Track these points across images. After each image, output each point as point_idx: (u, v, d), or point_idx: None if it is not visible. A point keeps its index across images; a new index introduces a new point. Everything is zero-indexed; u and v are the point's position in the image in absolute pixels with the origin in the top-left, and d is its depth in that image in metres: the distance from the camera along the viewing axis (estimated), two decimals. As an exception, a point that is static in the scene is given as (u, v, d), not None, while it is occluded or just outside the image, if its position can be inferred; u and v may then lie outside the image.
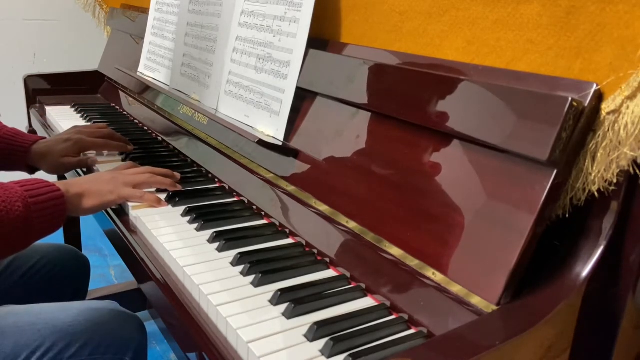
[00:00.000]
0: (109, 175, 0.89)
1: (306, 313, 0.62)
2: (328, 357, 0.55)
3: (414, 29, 0.72)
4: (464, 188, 0.60)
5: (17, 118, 1.71)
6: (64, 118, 1.40)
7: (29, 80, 1.59)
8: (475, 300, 0.55)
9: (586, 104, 0.52)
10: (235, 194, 0.94)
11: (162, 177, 0.93)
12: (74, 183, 0.83)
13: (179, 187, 0.93)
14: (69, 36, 2.56)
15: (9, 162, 1.07)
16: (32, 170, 1.09)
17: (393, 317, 0.62)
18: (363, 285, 0.67)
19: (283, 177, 0.84)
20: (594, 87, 0.52)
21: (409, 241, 0.63)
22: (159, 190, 0.93)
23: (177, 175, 0.96)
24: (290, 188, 0.82)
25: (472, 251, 0.57)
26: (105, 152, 1.12)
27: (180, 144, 1.14)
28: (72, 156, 1.07)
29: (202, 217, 0.82)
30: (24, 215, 0.71)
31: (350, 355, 0.54)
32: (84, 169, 1.09)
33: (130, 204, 0.87)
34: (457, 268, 0.58)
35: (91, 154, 1.11)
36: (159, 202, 0.88)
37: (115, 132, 1.16)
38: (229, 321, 0.59)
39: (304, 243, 0.77)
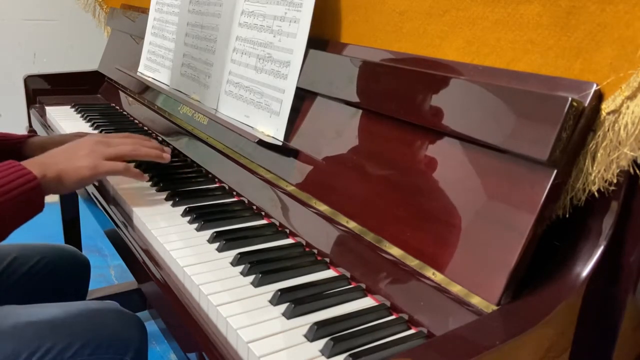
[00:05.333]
0: (88, 147, 0.83)
1: (306, 313, 0.62)
2: (328, 357, 0.55)
3: (414, 29, 0.73)
4: (464, 188, 0.60)
5: (17, 118, 1.71)
6: (64, 118, 1.40)
7: (29, 80, 1.59)
8: (475, 300, 0.55)
9: (586, 104, 0.52)
10: (235, 194, 0.94)
11: (148, 148, 0.89)
12: (51, 162, 0.79)
13: (168, 158, 0.90)
14: (69, 36, 2.57)
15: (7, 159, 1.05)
16: None
17: (393, 317, 0.62)
18: (363, 285, 0.67)
19: (283, 177, 0.84)
20: (594, 87, 0.52)
21: (409, 241, 0.63)
22: (160, 190, 0.93)
23: (167, 149, 0.92)
24: (290, 188, 0.82)
25: (472, 251, 0.57)
26: None
27: (180, 144, 1.14)
28: None
29: (202, 217, 0.82)
30: None
31: (350, 355, 0.54)
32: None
33: (128, 201, 0.87)
34: (457, 268, 0.58)
35: None
36: (142, 176, 0.86)
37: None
38: (229, 321, 0.59)
39: (304, 243, 0.77)
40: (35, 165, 0.77)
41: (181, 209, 0.86)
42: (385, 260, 0.66)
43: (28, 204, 0.74)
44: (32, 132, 1.51)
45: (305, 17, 0.84)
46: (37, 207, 0.76)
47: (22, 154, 1.03)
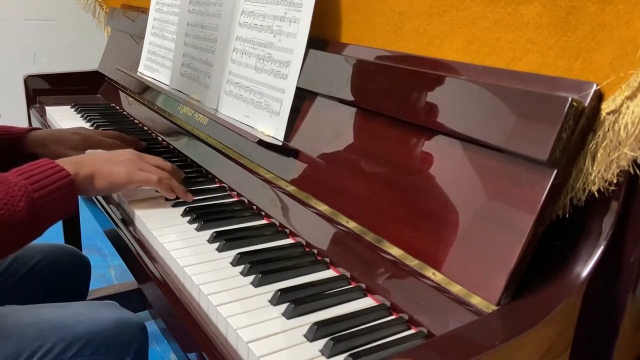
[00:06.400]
0: (127, 156, 0.85)
1: (306, 313, 0.62)
2: (328, 357, 0.55)
3: (414, 29, 0.72)
4: (464, 188, 0.60)
5: (17, 118, 1.71)
6: (64, 118, 1.40)
7: (29, 80, 1.59)
8: (475, 300, 0.55)
9: (586, 104, 0.52)
10: (235, 194, 0.94)
11: (177, 183, 0.89)
12: (86, 162, 0.79)
13: (191, 198, 0.89)
14: (69, 36, 2.57)
15: (8, 153, 1.02)
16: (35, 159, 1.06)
17: (393, 317, 0.62)
18: (363, 285, 0.67)
19: (283, 177, 0.84)
20: (594, 87, 0.52)
21: (409, 241, 0.63)
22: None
23: (190, 196, 0.90)
24: (290, 188, 0.82)
25: (472, 251, 0.57)
26: None
27: (180, 144, 1.14)
28: (80, 152, 1.03)
29: (202, 217, 0.82)
30: (28, 214, 0.68)
31: (350, 355, 0.54)
32: None
33: (128, 201, 0.87)
34: (457, 268, 0.58)
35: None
36: (171, 192, 0.86)
37: (124, 134, 1.13)
38: (229, 321, 0.59)
39: (304, 243, 0.77)
40: (69, 163, 0.77)
41: (181, 209, 0.86)
42: (385, 260, 0.66)
43: (61, 201, 0.73)
44: None
45: (305, 17, 0.84)
46: (69, 207, 0.75)
47: (22, 148, 1.03)
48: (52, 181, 0.72)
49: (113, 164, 0.82)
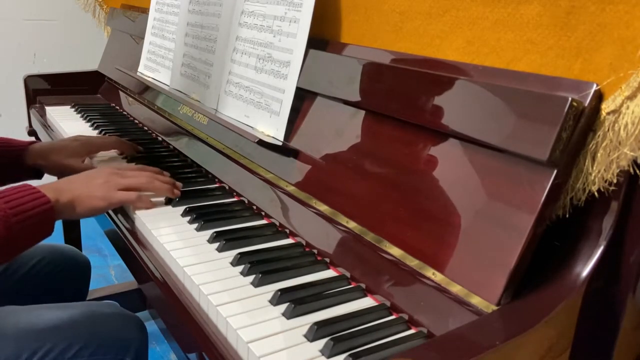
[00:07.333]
0: (104, 177, 0.84)
1: (306, 313, 0.62)
2: (328, 357, 0.55)
3: (414, 29, 0.73)
4: (464, 188, 0.60)
5: (17, 118, 1.71)
6: (64, 118, 1.40)
7: (29, 80, 1.59)
8: (475, 300, 0.55)
9: (586, 104, 0.52)
10: (235, 194, 0.94)
11: (160, 182, 0.89)
12: (65, 189, 0.80)
13: (178, 194, 0.90)
14: (69, 36, 2.57)
15: (10, 167, 1.02)
16: (37, 175, 1.06)
17: (393, 317, 0.62)
18: (363, 285, 0.67)
19: (283, 177, 0.84)
20: (594, 87, 0.52)
21: (409, 241, 0.63)
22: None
23: (179, 185, 0.92)
24: (290, 188, 0.82)
25: (472, 251, 0.57)
26: (113, 152, 1.12)
27: (180, 144, 1.15)
28: (80, 158, 1.04)
29: (202, 217, 0.82)
30: (4, 237, 0.68)
31: (350, 355, 0.54)
32: None
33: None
34: (457, 268, 0.58)
35: (96, 158, 1.10)
36: (153, 205, 0.87)
37: (122, 140, 1.14)
38: (229, 321, 0.59)
39: (304, 243, 0.77)
40: (50, 189, 0.77)
41: (181, 209, 0.86)
42: (385, 260, 0.66)
43: (39, 227, 0.74)
44: (32, 132, 1.51)
45: (305, 17, 0.84)
46: (47, 231, 0.76)
47: (23, 161, 1.03)
48: (31, 207, 0.72)
49: (91, 188, 0.82)
